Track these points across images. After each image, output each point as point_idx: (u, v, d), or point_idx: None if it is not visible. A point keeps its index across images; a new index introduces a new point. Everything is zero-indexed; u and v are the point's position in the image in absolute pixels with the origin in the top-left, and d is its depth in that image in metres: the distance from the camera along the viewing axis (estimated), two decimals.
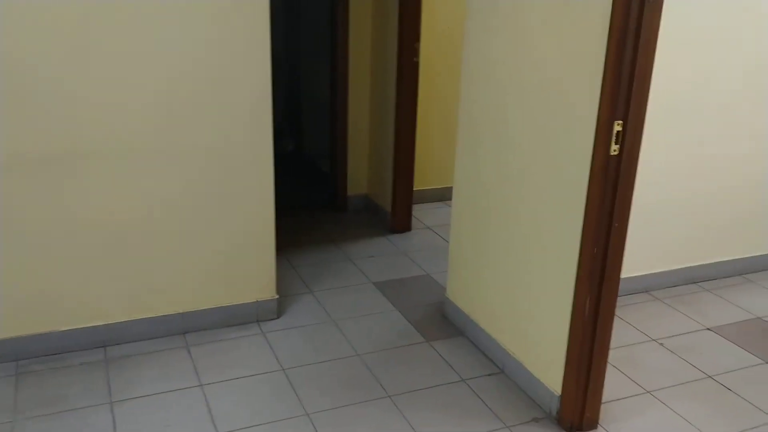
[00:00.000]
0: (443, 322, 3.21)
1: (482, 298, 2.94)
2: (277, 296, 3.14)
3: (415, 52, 3.91)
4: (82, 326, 2.80)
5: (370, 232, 4.27)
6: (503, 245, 2.75)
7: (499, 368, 2.83)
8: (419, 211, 4.56)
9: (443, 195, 4.81)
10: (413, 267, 3.81)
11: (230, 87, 2.75)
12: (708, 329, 3.26)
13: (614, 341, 2.84)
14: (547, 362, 2.56)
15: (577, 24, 2.23)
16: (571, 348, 2.44)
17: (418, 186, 4.43)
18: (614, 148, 2.19)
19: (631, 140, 2.21)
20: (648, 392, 2.74)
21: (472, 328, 3.02)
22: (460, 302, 3.12)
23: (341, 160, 4.50)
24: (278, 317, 3.16)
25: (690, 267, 3.69)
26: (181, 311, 2.95)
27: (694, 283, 3.72)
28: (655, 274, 3.59)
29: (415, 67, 3.94)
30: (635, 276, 3.53)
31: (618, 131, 2.18)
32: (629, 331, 3.20)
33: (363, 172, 4.60)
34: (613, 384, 2.74)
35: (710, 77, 3.34)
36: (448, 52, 4.48)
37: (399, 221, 4.26)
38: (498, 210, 2.77)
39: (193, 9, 2.61)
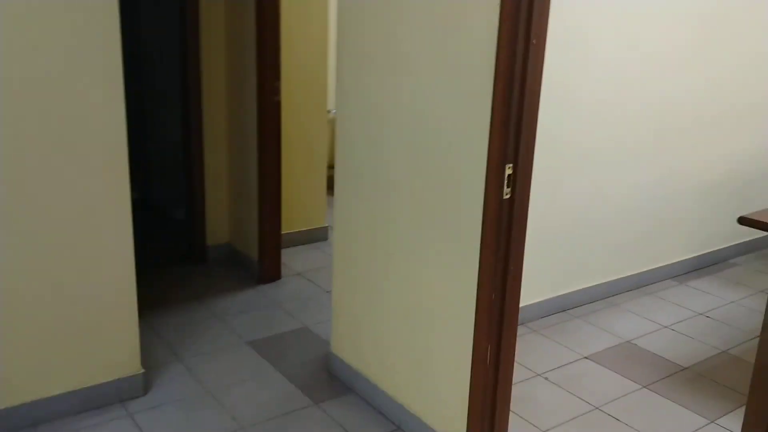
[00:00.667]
0: (330, 379, 3.01)
1: (373, 351, 2.79)
2: (142, 370, 2.78)
3: (276, 90, 3.72)
4: None
5: (237, 285, 3.99)
6: (394, 294, 2.62)
7: (396, 425, 2.67)
8: (287, 257, 4.34)
9: (311, 237, 4.63)
10: (289, 320, 3.58)
11: (79, 131, 2.41)
12: (586, 358, 3.32)
13: None
14: (448, 415, 2.44)
15: (461, 65, 2.17)
16: (474, 398, 2.34)
17: (283, 230, 4.21)
18: (506, 191, 2.14)
19: (522, 183, 2.17)
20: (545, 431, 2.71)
21: (363, 384, 2.85)
22: (348, 356, 2.94)
23: (198, 208, 4.19)
24: (145, 394, 2.80)
25: (560, 295, 3.77)
26: (28, 401, 2.52)
27: (564, 311, 3.81)
28: (528, 305, 3.63)
29: (276, 106, 3.76)
30: None
31: (509, 174, 2.13)
32: (514, 367, 3.18)
33: (223, 219, 4.31)
34: (511, 427, 2.68)
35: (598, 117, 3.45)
36: (309, 88, 4.34)
37: (268, 270, 4.01)
38: (385, 256, 2.64)
39: (41, 43, 2.27)
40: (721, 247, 4.59)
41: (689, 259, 4.39)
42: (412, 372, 2.58)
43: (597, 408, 2.90)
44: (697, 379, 3.15)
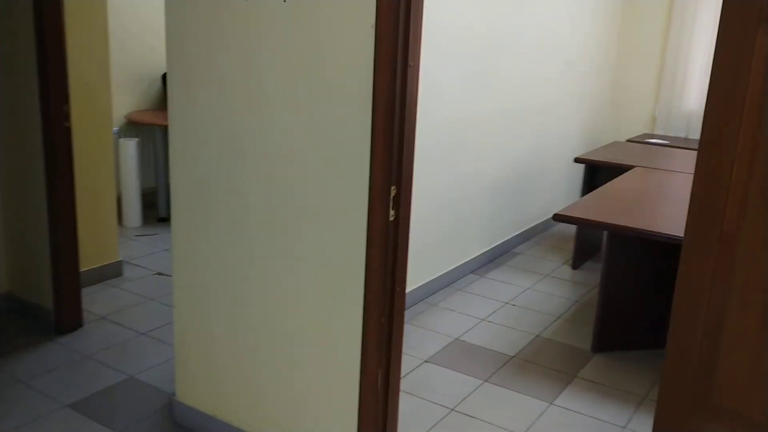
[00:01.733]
0: (178, 430, 2.72)
1: (235, 392, 2.57)
2: None
3: (65, 115, 3.25)
4: None
5: (33, 340, 3.42)
6: (263, 327, 2.44)
7: None
8: (84, 299, 3.83)
9: (104, 275, 4.15)
10: (108, 372, 3.16)
11: None
12: (426, 361, 3.43)
13: None
14: None
15: (336, 90, 2.09)
16: (365, 427, 2.28)
17: None
18: (392, 214, 2.12)
19: (405, 203, 2.16)
20: None
21: (222, 430, 2.62)
22: (201, 402, 2.68)
23: None
24: None
25: None
26: None
27: None
28: None
29: (67, 133, 3.28)
30: None
31: (394, 196, 2.11)
32: None
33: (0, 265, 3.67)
34: None
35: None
36: (93, 108, 3.86)
37: (67, 318, 3.50)
38: (245, 291, 2.45)
39: None
40: (507, 238, 5.04)
41: (485, 252, 4.75)
42: (288, 409, 2.44)
43: (453, 410, 3.00)
44: (525, 365, 3.42)
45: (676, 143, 5.72)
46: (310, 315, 2.31)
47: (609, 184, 3.80)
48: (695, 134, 6.06)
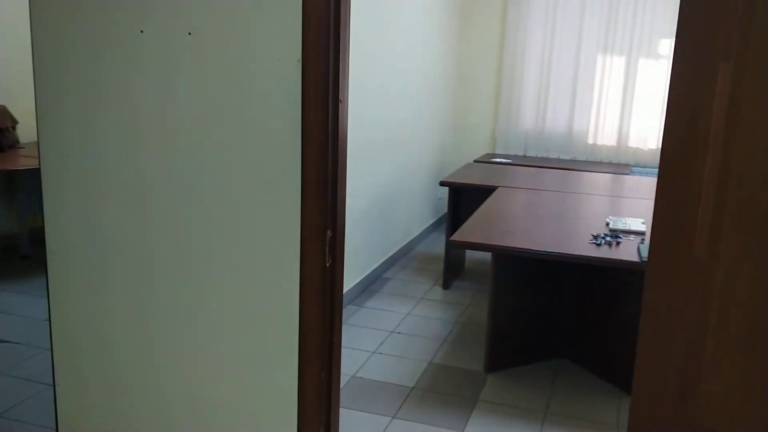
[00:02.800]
0: None
1: None
2: None
3: None
4: None
5: None
6: (179, 399, 2.16)
7: None
8: None
9: None
10: None
11: None
12: None
13: None
14: None
15: (258, 126, 1.91)
16: None
17: None
18: (328, 258, 1.97)
19: (340, 247, 2.02)
20: None
21: None
22: None
23: None
24: None
25: None
26: None
27: None
28: None
29: None
30: None
31: (330, 239, 1.96)
32: None
33: None
34: None
35: None
36: None
37: None
38: (159, 356, 2.16)
39: None
40: (376, 265, 5.01)
41: (359, 281, 4.67)
42: None
43: None
44: (426, 395, 3.38)
45: (518, 161, 6.05)
46: (235, 379, 2.08)
47: (485, 206, 3.90)
48: (532, 152, 6.47)
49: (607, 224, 3.55)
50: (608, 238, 3.26)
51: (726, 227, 1.46)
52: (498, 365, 3.64)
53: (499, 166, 5.62)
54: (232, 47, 1.88)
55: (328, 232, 1.94)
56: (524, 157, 6.43)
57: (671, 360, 1.58)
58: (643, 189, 4.71)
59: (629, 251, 3.12)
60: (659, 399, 1.61)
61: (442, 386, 3.48)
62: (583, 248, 3.15)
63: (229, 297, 2.03)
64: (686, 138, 1.50)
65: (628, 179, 5.16)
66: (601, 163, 6.20)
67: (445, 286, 4.90)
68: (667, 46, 5.90)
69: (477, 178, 4.85)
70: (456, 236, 3.24)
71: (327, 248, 1.94)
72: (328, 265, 1.96)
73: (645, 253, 3.00)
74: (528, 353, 3.73)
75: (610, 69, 6.09)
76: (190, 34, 1.92)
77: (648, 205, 4.16)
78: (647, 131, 6.08)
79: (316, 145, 1.88)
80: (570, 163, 6.09)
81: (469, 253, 5.47)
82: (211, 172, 1.97)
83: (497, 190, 4.40)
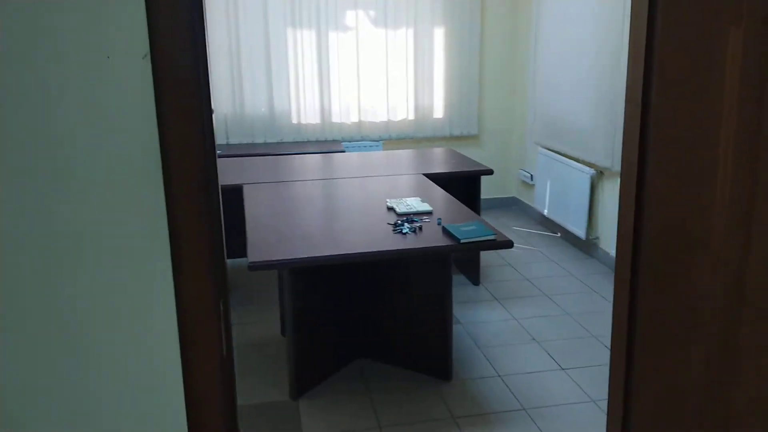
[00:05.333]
0: None
1: None
2: None
3: None
4: None
5: None
6: None
7: None
8: None
9: None
10: None
11: None
12: None
13: None
14: None
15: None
16: None
17: None
18: (224, 342, 1.35)
19: (229, 328, 1.40)
20: None
21: None
22: None
23: None
24: None
25: None
26: None
27: None
28: None
29: None
30: None
31: (224, 312, 1.34)
32: None
33: None
34: None
35: None
36: None
37: None
38: None
39: None
40: None
41: None
42: None
43: None
44: None
45: (223, 150, 5.51)
46: None
47: (249, 212, 3.35)
48: (235, 138, 5.95)
49: (391, 209, 3.33)
50: (407, 225, 3.04)
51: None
52: (304, 387, 3.21)
53: (222, 159, 5.01)
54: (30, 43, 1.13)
55: (220, 304, 1.32)
56: (228, 145, 5.89)
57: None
58: (379, 165, 4.61)
59: (437, 235, 2.94)
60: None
61: (262, 429, 2.93)
62: (394, 241, 2.88)
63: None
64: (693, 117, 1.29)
65: (352, 156, 5.02)
66: (308, 142, 5.99)
67: None
68: (353, 18, 5.87)
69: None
70: (253, 257, 2.69)
71: (222, 328, 1.32)
72: (225, 354, 1.34)
73: (459, 234, 2.85)
74: (330, 365, 3.37)
75: (302, 43, 5.86)
76: None
77: (399, 180, 4.06)
78: (348, 105, 6.04)
79: (186, 181, 1.24)
80: (281, 147, 5.75)
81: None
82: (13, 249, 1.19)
83: (244, 189, 3.87)
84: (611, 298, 4.50)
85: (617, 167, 4.52)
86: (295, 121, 5.99)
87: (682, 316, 1.41)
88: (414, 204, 3.34)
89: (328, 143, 5.93)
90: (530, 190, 6.10)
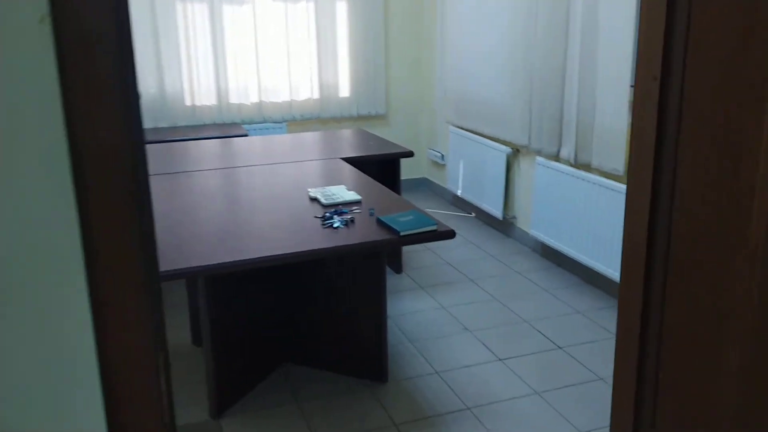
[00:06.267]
0: None
1: None
2: None
3: None
4: None
5: None
6: None
7: None
8: None
9: None
10: None
11: None
12: None
13: None
14: None
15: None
16: None
17: None
18: (166, 410, 1.02)
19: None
20: None
21: None
22: None
23: None
24: None
25: None
26: None
27: None
28: None
29: None
30: None
31: (164, 364, 1.01)
32: None
33: None
34: None
35: None
36: None
37: None
38: None
39: None
40: None
41: None
42: None
43: None
44: None
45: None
46: None
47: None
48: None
49: (315, 199, 3.01)
50: (337, 218, 2.74)
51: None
52: (226, 403, 2.86)
53: None
54: None
55: (159, 354, 0.99)
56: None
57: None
58: (288, 150, 4.27)
59: (372, 227, 2.66)
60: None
61: None
62: (327, 237, 2.57)
63: None
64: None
65: (256, 140, 4.63)
66: (205, 126, 5.51)
67: None
68: None
69: None
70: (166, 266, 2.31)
71: (162, 385, 0.99)
72: (166, 422, 1.01)
73: (398, 226, 2.58)
74: (254, 375, 3.03)
75: (193, 18, 5.36)
76: None
77: (315, 166, 3.74)
78: (247, 84, 5.61)
79: (108, 186, 0.90)
80: (175, 132, 5.26)
81: None
82: None
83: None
84: (535, 280, 4.37)
85: (535, 145, 4.40)
86: (188, 102, 5.50)
87: (715, 321, 1.21)
88: (339, 193, 3.04)
89: (227, 126, 5.49)
90: (441, 170, 5.93)
